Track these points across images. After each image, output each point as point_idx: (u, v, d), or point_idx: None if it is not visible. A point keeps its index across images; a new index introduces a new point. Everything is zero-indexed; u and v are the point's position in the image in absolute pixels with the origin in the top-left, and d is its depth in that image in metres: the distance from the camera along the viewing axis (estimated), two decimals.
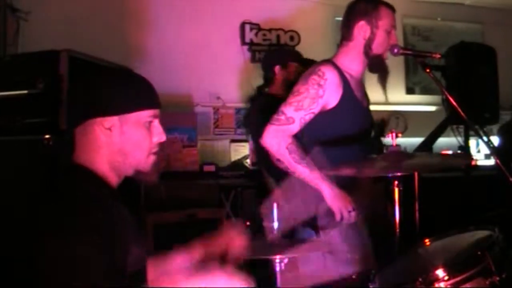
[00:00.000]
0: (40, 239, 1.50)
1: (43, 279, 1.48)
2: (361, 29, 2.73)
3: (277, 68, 3.92)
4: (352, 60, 2.75)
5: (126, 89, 1.70)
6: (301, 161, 2.54)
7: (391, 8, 2.82)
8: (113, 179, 1.71)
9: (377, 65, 2.79)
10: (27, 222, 1.59)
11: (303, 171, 2.54)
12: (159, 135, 1.76)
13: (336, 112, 2.65)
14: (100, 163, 1.67)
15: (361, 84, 2.87)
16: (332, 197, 2.51)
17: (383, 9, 2.78)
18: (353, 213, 2.52)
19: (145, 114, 1.71)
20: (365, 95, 2.92)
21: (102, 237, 1.48)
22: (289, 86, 3.38)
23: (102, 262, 1.46)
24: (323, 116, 2.63)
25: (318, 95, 2.60)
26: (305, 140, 2.64)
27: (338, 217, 2.51)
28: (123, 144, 1.67)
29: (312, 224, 2.60)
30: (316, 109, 2.61)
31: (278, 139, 2.57)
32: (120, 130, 1.66)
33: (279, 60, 3.98)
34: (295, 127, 2.59)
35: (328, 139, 2.64)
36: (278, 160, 2.59)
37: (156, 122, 1.76)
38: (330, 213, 2.54)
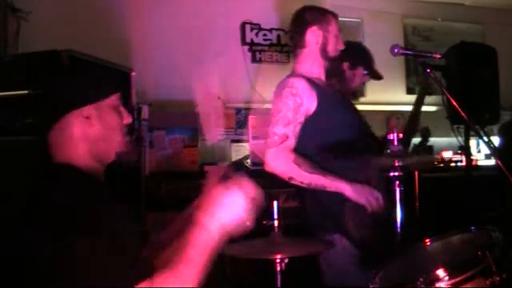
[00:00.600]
0: (39, 242, 1.50)
1: (43, 281, 1.48)
2: (314, 34, 2.83)
3: (345, 65, 3.55)
4: (311, 65, 2.85)
5: (95, 78, 1.79)
6: (313, 170, 2.56)
7: (336, 16, 2.91)
8: (99, 170, 1.76)
9: (335, 70, 2.94)
10: (24, 224, 1.59)
11: (319, 178, 2.55)
12: (127, 117, 1.83)
13: (319, 114, 2.69)
14: (83, 156, 1.71)
15: (330, 84, 2.94)
16: (355, 192, 2.54)
17: (329, 16, 2.88)
18: (381, 199, 2.54)
19: (114, 99, 1.79)
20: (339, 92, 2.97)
21: (102, 237, 1.48)
22: (348, 91, 3.44)
23: (104, 263, 1.47)
24: (309, 122, 2.67)
25: (297, 103, 2.65)
26: (300, 149, 2.66)
27: (369, 208, 2.53)
28: (102, 130, 1.73)
29: (341, 228, 2.61)
30: (302, 118, 2.66)
31: (282, 158, 2.59)
32: (97, 117, 1.72)
33: (350, 57, 3.55)
34: (291, 142, 2.63)
35: (322, 140, 2.66)
36: (290, 178, 2.59)
37: (121, 105, 1.83)
38: (355, 211, 2.55)
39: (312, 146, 2.67)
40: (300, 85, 2.69)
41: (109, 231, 1.51)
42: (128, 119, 1.82)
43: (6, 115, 3.23)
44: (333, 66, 2.87)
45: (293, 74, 2.84)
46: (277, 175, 2.63)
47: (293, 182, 2.60)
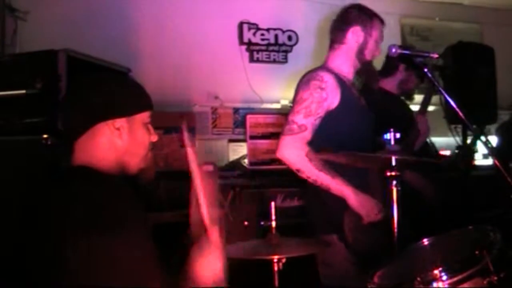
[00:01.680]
0: (64, 242, 1.50)
1: (72, 283, 1.48)
2: (356, 34, 2.84)
3: (402, 67, 3.74)
4: (343, 63, 2.86)
5: (131, 92, 1.83)
6: (323, 168, 2.55)
7: (382, 22, 2.92)
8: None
9: (366, 70, 2.90)
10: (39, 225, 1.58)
11: (326, 178, 2.55)
12: (153, 135, 1.88)
13: (339, 112, 2.70)
14: (107, 164, 1.74)
15: (355, 85, 2.96)
16: (357, 202, 2.54)
17: (376, 21, 2.89)
18: (380, 214, 2.54)
19: (146, 115, 1.84)
20: (360, 95, 2.96)
21: (132, 237, 1.55)
22: (404, 92, 3.65)
23: (135, 263, 1.50)
24: (328, 117, 2.68)
25: (322, 98, 2.65)
26: (313, 144, 2.65)
27: (366, 220, 2.52)
28: (130, 144, 1.78)
29: (338, 230, 2.62)
30: (322, 113, 2.66)
31: (296, 149, 2.59)
32: (127, 131, 1.77)
33: (405, 60, 3.58)
34: (309, 134, 2.62)
35: (336, 138, 2.66)
36: (298, 170, 2.59)
37: (149, 123, 1.88)
38: (355, 215, 2.55)
39: (322, 141, 2.66)
40: (328, 79, 2.70)
41: (138, 231, 1.54)
42: (155, 138, 1.88)
43: (4, 115, 3.23)
44: (365, 67, 2.88)
45: (323, 67, 2.84)
46: (286, 163, 2.63)
47: (300, 174, 2.61)
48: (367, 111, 2.91)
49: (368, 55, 2.85)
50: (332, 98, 2.68)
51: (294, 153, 2.58)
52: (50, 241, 1.54)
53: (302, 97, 2.68)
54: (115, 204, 1.57)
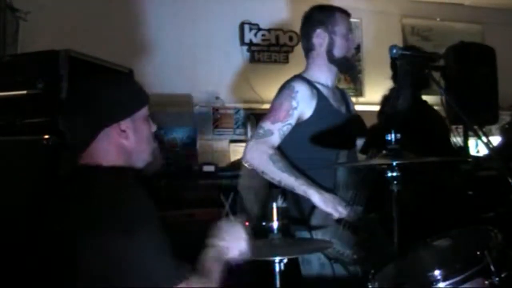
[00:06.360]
0: (84, 241, 1.50)
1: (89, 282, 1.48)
2: (319, 37, 2.83)
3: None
4: (317, 70, 2.85)
5: (130, 91, 1.81)
6: (286, 169, 2.58)
7: (346, 13, 2.89)
8: None
9: (343, 65, 2.87)
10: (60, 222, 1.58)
11: (289, 179, 2.57)
12: (153, 126, 1.87)
13: (312, 121, 2.72)
14: (117, 164, 1.74)
15: (338, 92, 2.96)
16: (322, 200, 2.54)
17: (338, 15, 2.86)
18: (347, 209, 2.55)
19: (146, 109, 1.82)
20: (344, 102, 2.97)
21: (153, 235, 1.58)
22: None
23: (154, 261, 1.54)
24: (301, 127, 2.70)
25: (292, 107, 2.68)
26: (288, 153, 2.69)
27: (335, 215, 2.53)
28: (137, 142, 1.77)
29: (305, 223, 2.63)
30: (292, 121, 2.68)
31: (260, 151, 2.61)
32: (133, 130, 1.75)
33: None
34: (275, 139, 2.65)
35: (308, 147, 2.68)
36: (263, 172, 2.62)
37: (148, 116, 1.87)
38: (323, 212, 2.56)
39: (295, 149, 2.71)
40: (300, 89, 2.71)
41: (152, 230, 1.55)
42: (154, 127, 1.87)
43: (5, 115, 3.23)
44: (341, 63, 2.85)
45: (299, 76, 2.84)
46: (252, 167, 2.65)
47: (265, 177, 2.63)
48: (347, 119, 2.91)
49: (338, 53, 2.82)
50: (304, 107, 2.70)
51: (257, 156, 2.61)
52: (63, 241, 1.54)
53: (273, 105, 2.73)
54: (129, 203, 1.57)
